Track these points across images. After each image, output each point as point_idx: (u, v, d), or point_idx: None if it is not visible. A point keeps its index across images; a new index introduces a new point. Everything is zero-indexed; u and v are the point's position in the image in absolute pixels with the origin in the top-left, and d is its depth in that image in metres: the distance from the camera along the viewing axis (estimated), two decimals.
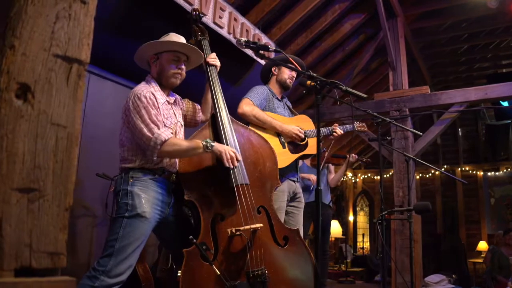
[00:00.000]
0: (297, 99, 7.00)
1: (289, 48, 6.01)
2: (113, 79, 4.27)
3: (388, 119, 3.24)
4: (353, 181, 10.85)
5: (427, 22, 7.54)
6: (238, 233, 2.37)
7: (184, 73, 2.62)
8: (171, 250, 2.66)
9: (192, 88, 3.17)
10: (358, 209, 10.45)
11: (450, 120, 5.83)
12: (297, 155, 3.32)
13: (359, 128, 3.79)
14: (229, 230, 2.38)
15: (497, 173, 10.02)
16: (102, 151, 4.13)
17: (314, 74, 1.94)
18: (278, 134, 3.26)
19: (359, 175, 11.17)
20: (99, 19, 3.80)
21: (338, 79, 6.99)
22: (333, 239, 8.70)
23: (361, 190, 11.02)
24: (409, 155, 4.35)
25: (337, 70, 7.17)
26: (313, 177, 4.81)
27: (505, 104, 8.94)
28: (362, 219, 10.46)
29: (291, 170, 3.33)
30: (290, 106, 3.69)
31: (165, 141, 2.31)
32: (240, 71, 5.20)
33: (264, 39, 5.29)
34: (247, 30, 4.94)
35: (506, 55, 9.20)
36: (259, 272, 2.35)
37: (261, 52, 2.20)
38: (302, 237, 3.51)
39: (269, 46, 2.21)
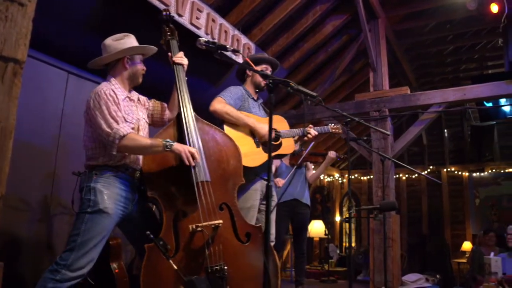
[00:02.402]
0: (280, 100, 7.07)
1: (271, 49, 6.06)
2: (92, 79, 4.30)
3: (356, 119, 3.29)
4: (340, 181, 10.92)
5: (411, 23, 7.61)
6: (199, 229, 2.43)
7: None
8: (137, 246, 2.71)
9: (163, 86, 3.23)
10: (344, 209, 10.52)
11: (429, 120, 5.90)
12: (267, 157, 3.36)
13: (333, 130, 3.83)
14: (190, 227, 2.43)
15: (482, 174, 10.11)
16: (81, 151, 4.17)
17: (268, 74, 1.98)
18: (252, 134, 3.30)
19: (346, 175, 11.23)
20: (76, 20, 3.86)
21: (321, 80, 7.09)
22: (317, 239, 8.76)
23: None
24: (384, 155, 4.42)
25: (320, 71, 7.23)
26: (279, 181, 4.85)
27: (489, 105, 9.06)
28: None
29: (265, 169, 3.37)
30: (265, 106, 3.74)
31: (124, 135, 2.37)
32: (220, 72, 5.25)
33: (244, 40, 5.34)
34: (225, 31, 4.98)
35: (492, 56, 9.28)
36: (218, 267, 2.40)
37: (220, 52, 2.23)
38: (275, 235, 3.60)
39: (228, 46, 2.26)
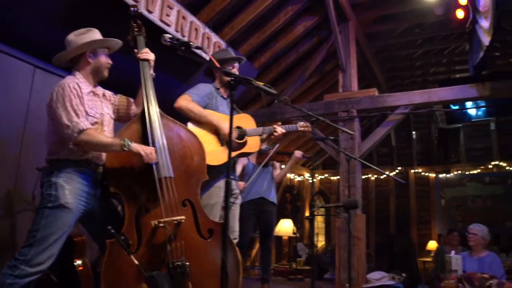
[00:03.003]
0: (252, 98, 7.10)
1: (242, 48, 6.09)
2: (59, 74, 4.24)
3: (321, 118, 3.34)
4: (310, 181, 11.01)
5: (381, 26, 7.76)
6: (161, 225, 2.44)
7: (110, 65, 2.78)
8: (99, 243, 2.70)
9: (132, 81, 3.22)
10: (316, 212, 10.61)
11: (396, 121, 6.02)
12: (234, 153, 3.40)
13: (301, 128, 3.85)
14: (152, 222, 2.44)
15: (448, 175, 10.35)
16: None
17: (231, 71, 2.01)
18: (216, 132, 3.30)
19: (317, 175, 11.35)
20: (45, 13, 3.81)
21: (291, 81, 7.15)
22: (286, 238, 8.83)
23: (318, 190, 11.21)
24: (350, 155, 4.48)
25: (291, 71, 7.28)
26: (241, 184, 4.87)
27: (455, 108, 9.27)
28: (319, 219, 10.64)
29: (225, 170, 3.39)
30: (235, 105, 3.75)
31: (83, 130, 2.37)
32: (190, 69, 5.24)
33: (215, 39, 5.35)
34: (196, 29, 4.98)
35: (460, 60, 9.52)
36: (179, 263, 2.41)
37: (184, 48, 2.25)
38: (240, 233, 3.62)
39: (191, 43, 2.27)
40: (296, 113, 6.19)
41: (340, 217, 3.59)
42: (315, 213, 3.34)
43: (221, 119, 3.29)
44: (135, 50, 2.89)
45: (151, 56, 2.88)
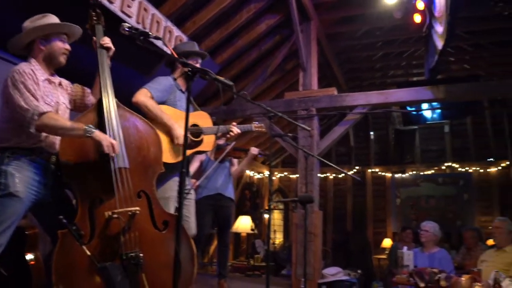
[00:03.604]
0: (212, 95, 7.08)
1: (204, 44, 6.06)
2: (14, 61, 4.13)
3: (280, 114, 3.38)
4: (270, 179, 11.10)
5: (343, 27, 7.87)
6: (115, 216, 2.41)
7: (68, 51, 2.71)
8: (51, 234, 2.64)
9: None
10: (272, 206, 10.67)
11: (354, 121, 6.15)
12: (189, 151, 3.42)
13: (256, 129, 3.93)
14: (106, 213, 2.42)
15: (403, 176, 10.63)
16: None
17: (188, 62, 2.01)
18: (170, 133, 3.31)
19: (276, 173, 11.45)
20: (2, 1, 3.68)
21: (253, 78, 7.18)
22: (244, 234, 8.87)
23: (277, 188, 11.30)
24: (308, 152, 4.57)
25: (253, 68, 7.31)
26: (193, 181, 4.87)
27: (412, 109, 9.54)
28: (277, 216, 10.74)
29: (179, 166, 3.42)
30: (192, 100, 3.76)
31: (44, 113, 2.32)
32: (151, 61, 5.19)
33: (177, 32, 5.31)
34: (158, 22, 4.93)
35: (418, 64, 9.76)
36: (133, 254, 2.40)
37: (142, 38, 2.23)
38: (197, 229, 3.64)
39: (150, 33, 2.26)
40: (256, 110, 6.22)
41: (296, 211, 3.64)
42: (272, 206, 3.39)
43: (178, 119, 3.30)
44: (93, 38, 2.83)
45: (110, 45, 2.84)
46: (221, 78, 2.10)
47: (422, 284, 4.29)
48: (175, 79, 3.58)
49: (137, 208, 2.46)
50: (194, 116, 3.51)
